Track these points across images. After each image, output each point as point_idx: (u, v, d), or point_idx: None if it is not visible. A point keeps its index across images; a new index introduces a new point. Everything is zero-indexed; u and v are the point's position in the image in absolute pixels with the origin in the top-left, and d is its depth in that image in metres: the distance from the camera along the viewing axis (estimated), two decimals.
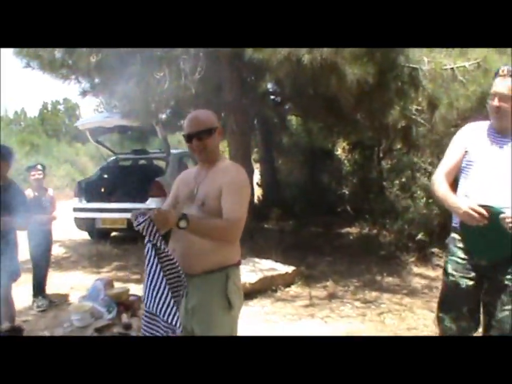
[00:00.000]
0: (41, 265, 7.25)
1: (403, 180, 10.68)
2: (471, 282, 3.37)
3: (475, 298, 3.42)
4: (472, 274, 3.37)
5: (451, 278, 3.45)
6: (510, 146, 3.21)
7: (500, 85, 3.15)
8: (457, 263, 3.43)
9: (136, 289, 5.65)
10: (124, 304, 4.93)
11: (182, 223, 2.78)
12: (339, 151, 15.02)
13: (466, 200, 3.20)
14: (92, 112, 37.91)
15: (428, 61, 8.23)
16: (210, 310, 3.02)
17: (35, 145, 28.45)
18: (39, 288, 7.22)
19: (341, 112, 9.32)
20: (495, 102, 3.16)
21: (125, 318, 4.75)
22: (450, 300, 3.48)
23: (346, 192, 13.35)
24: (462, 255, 3.41)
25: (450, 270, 3.47)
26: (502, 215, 3.07)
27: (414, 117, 9.12)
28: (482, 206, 3.10)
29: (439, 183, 3.42)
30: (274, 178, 14.38)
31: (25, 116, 43.96)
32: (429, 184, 9.93)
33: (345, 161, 14.42)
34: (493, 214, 3.10)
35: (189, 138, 3.08)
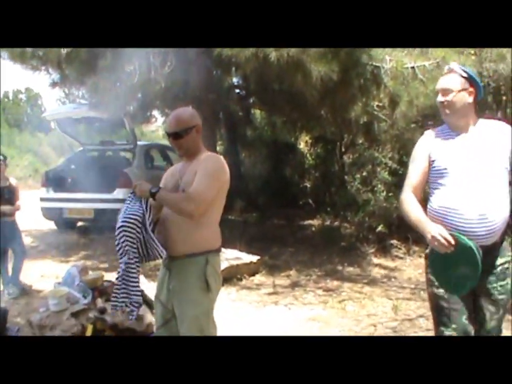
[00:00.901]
0: (17, 255, 7.32)
1: (364, 174, 10.95)
2: None
3: (468, 304, 3.16)
4: None
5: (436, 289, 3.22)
6: (471, 141, 3.16)
7: (442, 81, 3.23)
8: None
9: (109, 276, 5.79)
10: (99, 289, 5.13)
11: (153, 189, 3.20)
12: (302, 145, 15.23)
13: (437, 226, 3.02)
14: (54, 102, 37.45)
15: (390, 59, 8.49)
16: (189, 290, 3.25)
17: None
18: (14, 276, 7.29)
19: (305, 107, 9.53)
20: (440, 98, 3.20)
21: (100, 302, 4.95)
22: (446, 311, 3.17)
23: (309, 185, 13.65)
24: None
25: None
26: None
27: (375, 113, 9.59)
28: (451, 234, 2.96)
29: (408, 202, 3.25)
30: (239, 170, 14.57)
31: None
32: (389, 178, 10.56)
33: (308, 155, 14.63)
34: (459, 245, 2.95)
35: (168, 136, 3.37)
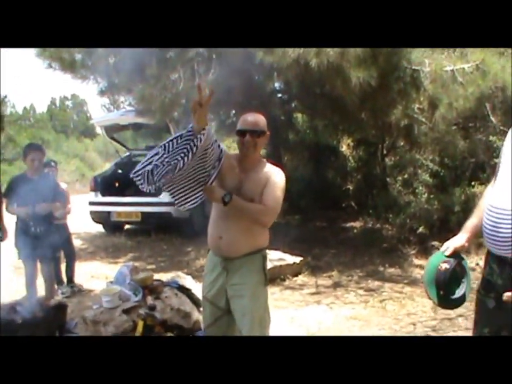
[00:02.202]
0: (68, 256, 7.71)
1: (405, 176, 11.10)
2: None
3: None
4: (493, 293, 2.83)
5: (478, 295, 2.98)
6: None
7: None
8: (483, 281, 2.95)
9: (158, 276, 6.07)
10: (149, 288, 5.42)
11: (226, 198, 3.31)
12: (343, 148, 15.32)
13: (453, 239, 2.97)
14: (99, 108, 38.15)
15: (429, 63, 8.59)
16: (251, 285, 3.55)
17: (45, 141, 28.85)
18: (68, 277, 7.68)
19: (345, 111, 9.64)
20: None
21: (150, 300, 5.24)
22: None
23: (351, 188, 13.77)
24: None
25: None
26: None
27: (415, 116, 9.60)
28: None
29: (484, 197, 3.03)
30: None
31: (34, 111, 44.34)
32: (430, 181, 10.64)
33: (350, 158, 14.77)
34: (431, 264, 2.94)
35: (243, 133, 3.49)
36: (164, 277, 6.53)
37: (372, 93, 8.30)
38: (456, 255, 2.94)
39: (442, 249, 2.96)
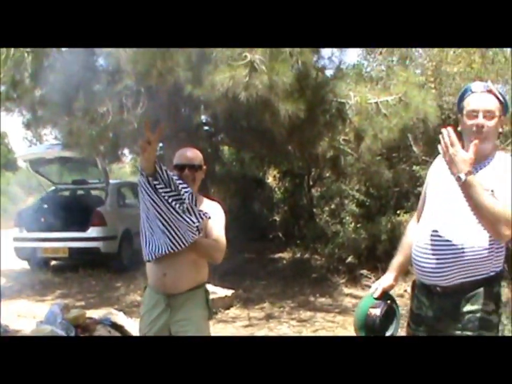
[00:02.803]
0: None
1: (332, 206, 11.28)
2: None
3: None
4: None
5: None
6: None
7: (483, 101, 2.81)
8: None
9: (88, 313, 5.89)
10: (81, 326, 5.24)
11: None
12: (270, 180, 15.57)
13: (383, 278, 3.06)
14: (21, 142, 37.16)
15: (354, 95, 8.90)
16: (196, 320, 3.50)
17: None
18: None
19: (273, 143, 9.78)
20: (480, 119, 2.77)
21: None
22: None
23: (278, 219, 13.93)
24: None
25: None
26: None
27: (341, 147, 9.86)
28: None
29: (407, 230, 3.17)
30: None
31: None
32: (357, 210, 10.85)
33: (276, 189, 14.98)
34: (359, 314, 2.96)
35: (181, 168, 3.45)
36: (94, 313, 6.35)
37: (300, 125, 8.42)
38: (385, 295, 2.97)
39: (371, 291, 2.98)
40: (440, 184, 2.89)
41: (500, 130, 2.85)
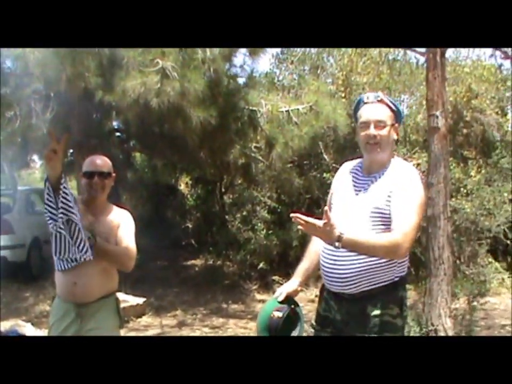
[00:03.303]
0: None
1: (244, 213, 11.32)
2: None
3: None
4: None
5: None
6: (373, 187, 2.88)
7: (374, 111, 2.87)
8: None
9: None
10: None
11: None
12: (182, 186, 15.58)
13: (295, 281, 3.07)
14: None
15: (265, 103, 9.03)
16: (108, 329, 3.44)
17: None
18: None
19: (185, 150, 9.78)
20: (372, 131, 2.83)
21: None
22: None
23: (190, 226, 13.88)
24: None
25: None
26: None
27: (253, 154, 10.01)
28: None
29: (313, 240, 3.17)
30: None
31: None
32: (268, 217, 10.93)
33: (188, 196, 14.93)
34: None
35: (91, 175, 3.40)
36: (2, 326, 6.11)
37: (211, 132, 8.51)
38: (289, 300, 2.99)
39: (275, 295, 3.00)
40: (342, 194, 2.95)
41: (395, 137, 2.91)
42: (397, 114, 2.91)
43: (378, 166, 2.85)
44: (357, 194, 2.87)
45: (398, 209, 2.67)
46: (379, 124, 2.82)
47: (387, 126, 2.84)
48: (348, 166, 3.08)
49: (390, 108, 2.88)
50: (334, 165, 9.55)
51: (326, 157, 10.13)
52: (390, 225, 2.68)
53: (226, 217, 12.01)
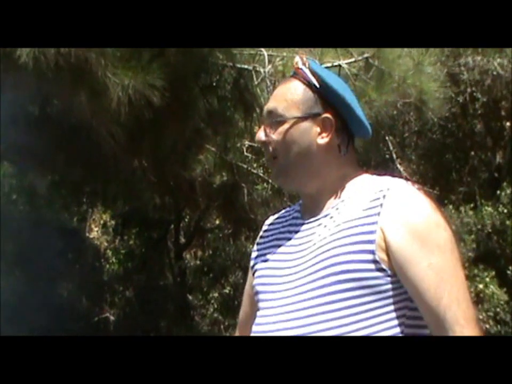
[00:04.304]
0: None
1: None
2: None
3: None
4: None
5: None
6: (329, 231, 2.74)
7: (272, 98, 2.90)
8: None
9: None
10: None
11: None
12: (94, 232, 16.41)
13: None
14: None
15: (269, 56, 8.91)
16: None
17: None
18: None
19: (97, 155, 9.96)
20: (259, 135, 2.82)
21: None
22: None
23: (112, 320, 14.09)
24: None
25: None
26: None
27: (243, 165, 10.41)
28: None
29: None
30: None
31: None
32: None
33: (108, 253, 15.80)
34: None
35: None
36: None
37: (153, 122, 8.61)
38: None
39: None
40: (270, 271, 2.97)
41: (321, 142, 2.79)
42: (329, 95, 2.80)
43: (320, 199, 2.84)
44: (293, 255, 2.83)
45: (428, 285, 2.56)
46: (273, 118, 2.82)
47: (288, 121, 2.78)
48: (271, 220, 3.17)
49: (310, 83, 2.80)
50: None
51: None
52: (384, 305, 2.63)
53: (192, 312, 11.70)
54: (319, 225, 2.74)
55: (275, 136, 2.71)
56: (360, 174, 2.80)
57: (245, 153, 9.58)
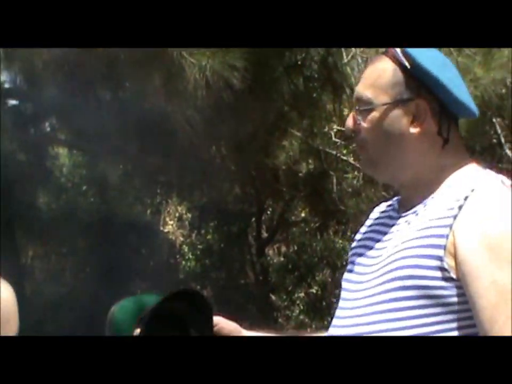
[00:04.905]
0: None
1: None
2: None
3: None
4: None
5: None
6: (410, 234, 2.57)
7: (361, 81, 2.71)
8: None
9: None
10: None
11: None
12: (169, 225, 16.21)
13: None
14: None
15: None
16: None
17: None
18: None
19: (172, 143, 10.18)
20: (348, 120, 2.65)
21: None
22: None
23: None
24: None
25: None
26: None
27: (332, 152, 10.05)
28: None
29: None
30: None
31: None
32: None
33: (185, 248, 15.60)
34: None
35: None
36: None
37: (232, 107, 8.70)
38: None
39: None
40: (358, 257, 2.93)
41: (414, 130, 2.64)
42: (422, 77, 2.62)
43: (414, 192, 2.69)
44: (377, 251, 2.75)
45: (486, 305, 2.41)
46: (361, 106, 2.67)
47: (377, 109, 2.63)
48: (381, 208, 3.03)
49: (400, 64, 2.62)
50: None
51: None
52: (451, 320, 2.49)
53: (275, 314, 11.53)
54: (406, 221, 2.62)
55: (365, 124, 2.56)
56: (465, 164, 2.57)
57: (334, 138, 9.39)
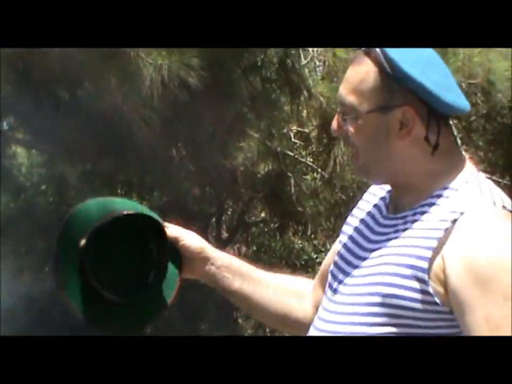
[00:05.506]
0: None
1: None
2: None
3: None
4: None
5: None
6: (396, 243, 2.62)
7: (344, 81, 2.64)
8: None
9: None
10: None
11: None
12: None
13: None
14: None
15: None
16: None
17: None
18: None
19: (129, 141, 10.08)
20: (333, 125, 2.67)
21: None
22: None
23: None
24: None
25: None
26: None
27: (290, 153, 10.43)
28: None
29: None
30: None
31: None
32: None
33: None
34: None
35: None
36: None
37: (189, 105, 8.83)
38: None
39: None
40: (345, 248, 2.93)
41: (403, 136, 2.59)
42: (405, 82, 2.52)
43: (404, 196, 2.70)
44: (364, 252, 2.77)
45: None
46: (345, 112, 2.64)
47: (361, 117, 2.58)
48: (377, 192, 2.99)
49: (380, 65, 2.53)
50: None
51: None
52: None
53: (235, 314, 11.84)
54: (393, 227, 2.61)
55: (351, 129, 2.53)
56: (458, 170, 2.51)
57: (292, 139, 9.44)
